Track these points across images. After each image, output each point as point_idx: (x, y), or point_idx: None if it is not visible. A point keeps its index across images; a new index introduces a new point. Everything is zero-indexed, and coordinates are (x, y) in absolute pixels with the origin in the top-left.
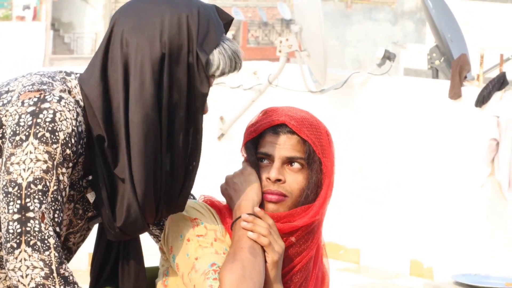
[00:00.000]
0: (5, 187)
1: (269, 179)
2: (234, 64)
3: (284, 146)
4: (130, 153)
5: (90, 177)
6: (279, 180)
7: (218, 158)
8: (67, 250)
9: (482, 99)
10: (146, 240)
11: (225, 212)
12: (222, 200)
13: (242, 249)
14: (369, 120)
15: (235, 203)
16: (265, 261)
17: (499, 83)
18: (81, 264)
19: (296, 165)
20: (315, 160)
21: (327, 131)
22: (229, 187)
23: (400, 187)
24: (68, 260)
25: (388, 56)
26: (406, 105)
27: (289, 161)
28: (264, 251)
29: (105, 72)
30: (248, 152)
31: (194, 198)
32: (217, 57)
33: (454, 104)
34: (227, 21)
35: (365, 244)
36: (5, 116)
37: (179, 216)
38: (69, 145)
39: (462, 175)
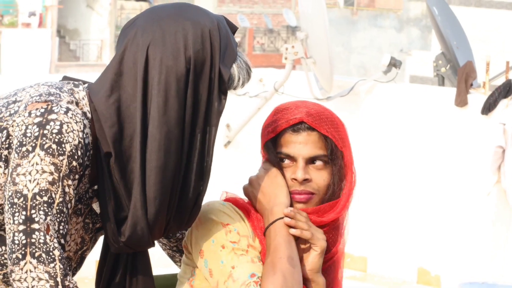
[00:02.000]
0: (11, 197)
1: (296, 180)
2: (249, 74)
3: (306, 145)
4: (144, 169)
5: (96, 187)
6: (306, 179)
7: (225, 165)
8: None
9: (488, 107)
10: (154, 248)
11: (252, 215)
12: (244, 197)
13: (281, 259)
14: (375, 128)
15: (264, 206)
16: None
17: (505, 90)
18: (88, 272)
19: (319, 163)
20: (338, 155)
21: (342, 122)
22: (255, 190)
23: (407, 195)
24: (78, 270)
25: (394, 63)
26: (412, 112)
27: (312, 159)
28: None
29: (117, 86)
30: (270, 152)
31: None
32: (236, 71)
33: (460, 112)
34: (233, 31)
35: (372, 252)
36: (12, 126)
37: (208, 219)
38: (76, 157)
39: (468, 183)
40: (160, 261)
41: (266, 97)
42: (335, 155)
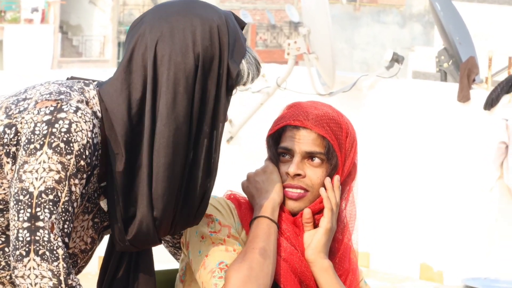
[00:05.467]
0: (17, 194)
1: (288, 174)
2: (258, 70)
3: (304, 140)
4: (151, 166)
5: (103, 184)
6: (298, 175)
7: (227, 161)
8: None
9: (491, 102)
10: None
11: (245, 208)
12: (244, 195)
13: (253, 249)
14: (378, 123)
15: (256, 202)
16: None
17: (508, 85)
18: (91, 267)
19: (316, 160)
20: (335, 155)
21: (348, 126)
22: (251, 185)
23: (409, 191)
24: (84, 267)
25: (397, 59)
26: (414, 108)
27: (309, 156)
28: (275, 255)
29: (126, 84)
30: (269, 147)
31: None
32: (246, 67)
33: (463, 107)
34: (241, 27)
35: (375, 248)
36: (21, 123)
37: None
38: (83, 156)
39: (471, 179)
40: (161, 256)
41: (269, 93)
42: (331, 155)
